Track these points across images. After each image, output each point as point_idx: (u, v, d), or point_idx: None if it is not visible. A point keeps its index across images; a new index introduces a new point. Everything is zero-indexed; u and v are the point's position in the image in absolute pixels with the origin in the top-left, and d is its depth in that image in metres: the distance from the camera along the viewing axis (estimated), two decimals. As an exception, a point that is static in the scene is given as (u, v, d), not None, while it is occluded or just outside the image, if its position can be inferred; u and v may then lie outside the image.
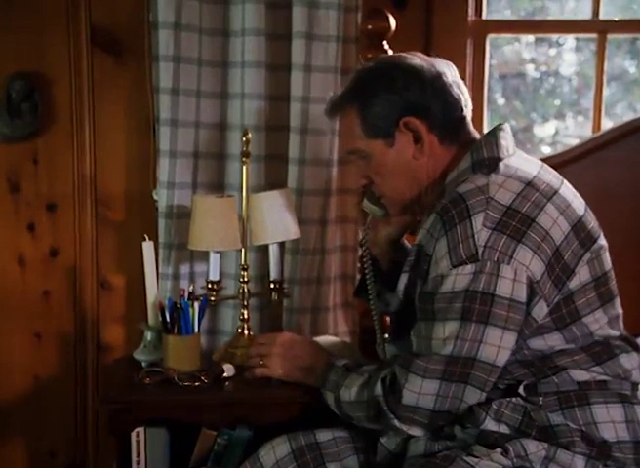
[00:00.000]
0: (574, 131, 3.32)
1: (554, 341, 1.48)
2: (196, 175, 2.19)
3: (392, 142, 1.57)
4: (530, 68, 3.34)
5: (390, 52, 2.07)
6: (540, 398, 1.47)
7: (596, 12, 2.40)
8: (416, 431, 1.50)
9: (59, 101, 2.27)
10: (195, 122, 2.15)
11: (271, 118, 2.15)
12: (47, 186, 2.30)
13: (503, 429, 1.45)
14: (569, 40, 3.20)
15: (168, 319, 1.94)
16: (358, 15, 2.12)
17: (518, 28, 2.60)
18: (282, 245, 2.09)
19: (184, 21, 2.09)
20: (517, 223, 1.43)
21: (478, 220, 1.41)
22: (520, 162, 1.57)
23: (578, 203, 1.56)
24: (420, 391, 1.44)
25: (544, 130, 3.49)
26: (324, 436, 1.70)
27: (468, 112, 1.60)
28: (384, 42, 2.08)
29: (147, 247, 2.04)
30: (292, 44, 2.09)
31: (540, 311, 1.46)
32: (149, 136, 2.21)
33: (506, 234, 1.42)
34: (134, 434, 1.86)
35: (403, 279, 1.55)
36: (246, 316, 2.05)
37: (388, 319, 1.91)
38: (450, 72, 1.59)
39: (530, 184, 1.50)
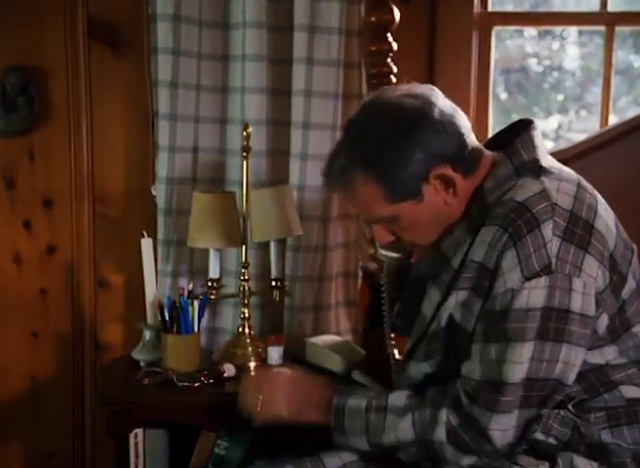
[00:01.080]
0: (577, 125, 3.29)
1: (610, 355, 1.42)
2: (196, 171, 2.18)
3: (422, 198, 1.43)
4: (533, 62, 3.31)
5: (394, 45, 2.04)
6: (591, 415, 1.42)
7: (604, 4, 2.38)
8: (473, 460, 1.41)
9: (55, 95, 2.25)
10: (195, 116, 2.14)
11: (273, 112, 2.13)
12: (43, 182, 2.29)
13: (551, 441, 1.40)
14: (572, 33, 3.16)
15: (167, 318, 1.93)
16: (361, 6, 2.09)
17: (525, 20, 2.57)
18: (283, 242, 2.07)
19: (184, 13, 2.08)
20: (581, 231, 1.36)
21: (548, 229, 1.34)
22: (556, 162, 1.50)
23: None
24: (507, 427, 1.35)
25: (547, 124, 3.46)
26: (333, 463, 1.54)
27: (471, 132, 1.48)
28: (388, 34, 2.05)
29: (146, 244, 2.02)
30: (293, 36, 2.08)
31: (602, 323, 1.40)
32: (148, 131, 2.20)
33: (574, 244, 1.35)
34: (132, 436, 1.85)
35: (459, 296, 1.42)
36: (247, 315, 2.03)
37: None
38: (440, 99, 1.46)
39: (580, 186, 1.43)
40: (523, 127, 1.48)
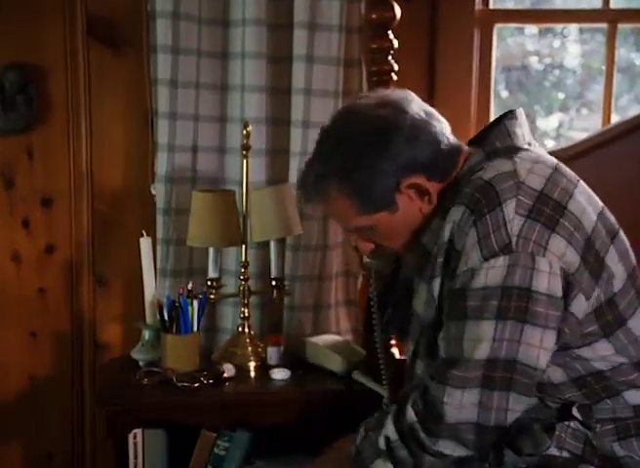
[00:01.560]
0: (578, 124, 3.28)
1: (604, 351, 1.39)
2: (195, 170, 2.17)
3: (396, 208, 1.43)
4: (534, 60, 3.31)
5: (395, 42, 2.02)
6: (598, 425, 1.39)
7: (606, 1, 2.37)
8: (461, 451, 1.36)
9: (54, 94, 2.24)
10: (194, 115, 2.13)
11: (272, 111, 2.12)
12: (42, 181, 2.27)
13: (565, 455, 1.37)
14: (573, 31, 3.16)
15: (166, 317, 1.92)
16: (361, 4, 2.08)
17: (526, 18, 2.55)
18: (283, 241, 2.06)
19: (183, 10, 2.07)
20: (550, 210, 1.34)
21: (510, 207, 1.32)
22: (541, 151, 1.50)
23: (595, 195, 1.49)
24: (462, 403, 1.32)
25: (548, 123, 3.46)
26: None
27: (449, 133, 1.46)
28: (389, 32, 2.02)
29: (145, 243, 2.01)
30: (293, 34, 2.07)
31: (579, 305, 1.36)
32: (147, 130, 2.19)
33: (540, 222, 1.33)
34: (131, 436, 1.85)
35: (436, 285, 1.42)
36: (246, 314, 2.03)
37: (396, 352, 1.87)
38: (416, 104, 1.44)
39: (557, 170, 1.42)
40: (507, 117, 1.48)
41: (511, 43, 3.18)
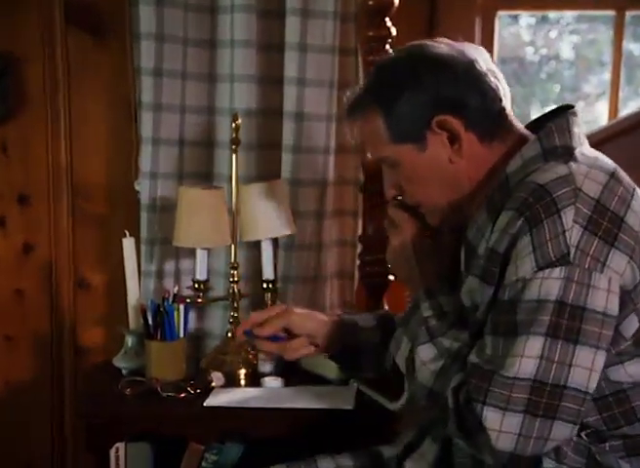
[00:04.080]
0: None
1: (633, 370, 1.32)
2: (182, 165, 2.14)
3: (424, 146, 1.40)
4: (529, 51, 3.28)
5: (393, 30, 2.00)
6: (606, 444, 1.32)
7: (614, -13, 2.33)
8: (488, 460, 1.30)
9: (31, 84, 2.21)
10: (180, 106, 2.10)
11: (263, 102, 2.10)
12: (18, 177, 2.24)
13: None
14: (570, 21, 3.12)
15: (150, 323, 1.88)
16: (358, -11, 2.07)
17: (530, 4, 2.53)
18: (275, 240, 2.03)
19: (168, -5, 2.05)
20: (608, 223, 1.27)
21: (569, 215, 1.25)
22: (594, 151, 1.43)
23: None
24: (501, 428, 1.24)
25: None
26: (326, 465, 1.54)
27: (508, 102, 1.44)
28: (387, 19, 2.00)
29: (128, 243, 1.99)
30: (285, 21, 2.04)
31: (630, 327, 1.29)
32: (131, 122, 2.15)
33: (598, 236, 1.26)
34: (113, 450, 1.81)
35: (471, 283, 1.36)
36: (236, 319, 1.98)
37: None
38: (482, 59, 1.43)
39: (614, 176, 1.34)
40: (562, 112, 1.42)
41: (506, 34, 3.14)
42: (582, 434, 1.30)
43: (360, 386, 1.82)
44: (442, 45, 1.42)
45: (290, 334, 1.58)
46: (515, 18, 2.98)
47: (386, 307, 2.10)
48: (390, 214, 1.52)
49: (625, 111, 2.48)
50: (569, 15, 2.92)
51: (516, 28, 3.19)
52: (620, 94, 3.02)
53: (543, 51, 3.27)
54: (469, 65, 1.38)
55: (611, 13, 2.37)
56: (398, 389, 1.61)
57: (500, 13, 2.36)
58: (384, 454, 1.56)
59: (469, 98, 1.37)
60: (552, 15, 2.94)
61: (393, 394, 1.66)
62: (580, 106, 3.23)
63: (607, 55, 2.81)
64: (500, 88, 1.40)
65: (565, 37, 3.29)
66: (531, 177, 1.30)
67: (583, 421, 1.30)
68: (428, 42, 1.44)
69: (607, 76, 2.44)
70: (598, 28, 3.07)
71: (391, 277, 2.08)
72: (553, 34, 3.25)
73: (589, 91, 3.28)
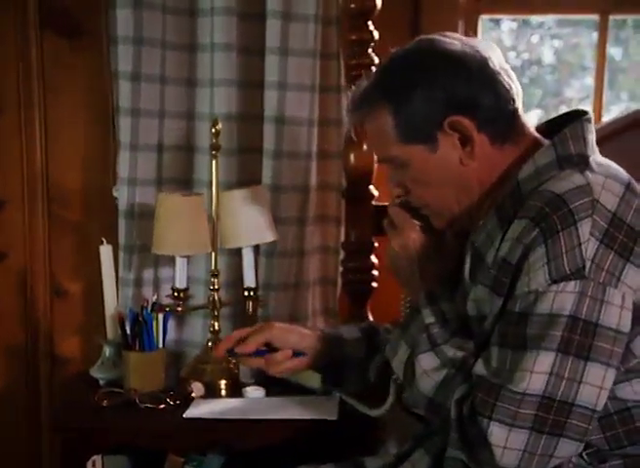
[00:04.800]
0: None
1: None
2: (160, 171, 2.12)
3: (435, 147, 1.36)
4: (511, 56, 3.29)
5: (375, 34, 1.99)
6: (607, 463, 1.30)
7: (597, -10, 2.34)
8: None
9: (4, 88, 2.18)
10: (159, 111, 2.08)
11: (244, 107, 2.08)
12: None
13: None
14: (551, 25, 3.13)
15: (128, 332, 1.86)
16: (340, -8, 2.06)
17: (514, 8, 2.51)
18: (256, 247, 2.01)
19: (146, -1, 2.03)
20: (624, 237, 1.24)
21: (585, 228, 1.22)
22: (605, 159, 1.39)
23: None
24: (506, 445, 1.22)
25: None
26: None
27: (520, 103, 1.40)
28: (369, 23, 1.99)
29: (105, 251, 1.97)
30: (266, 24, 2.02)
31: None
32: (109, 128, 2.14)
33: (613, 250, 1.23)
34: (90, 463, 1.76)
35: (479, 292, 1.33)
36: (217, 327, 1.96)
37: None
38: (496, 56, 1.39)
39: (629, 188, 1.31)
40: (576, 117, 1.38)
41: (488, 39, 3.14)
42: (584, 453, 1.28)
43: (341, 395, 1.79)
44: (454, 40, 1.37)
45: (272, 349, 1.56)
46: (497, 22, 2.98)
47: (369, 315, 2.08)
48: (391, 213, 1.47)
49: (608, 116, 2.47)
50: (550, 19, 2.92)
51: (498, 33, 3.19)
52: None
53: (525, 55, 3.27)
54: (483, 63, 1.34)
55: (594, 17, 2.36)
56: (381, 395, 1.59)
57: (483, 16, 2.34)
58: (368, 466, 1.53)
59: (483, 98, 1.33)
60: (534, 19, 2.94)
61: (375, 401, 1.62)
62: (562, 110, 3.25)
63: (589, 59, 2.81)
64: (514, 88, 1.36)
65: (547, 41, 3.29)
66: (546, 186, 1.27)
67: (591, 443, 1.27)
68: (439, 37, 1.39)
69: (589, 81, 2.45)
70: (580, 33, 3.07)
71: (374, 284, 2.06)
72: (535, 39, 3.26)
73: (571, 95, 3.28)
